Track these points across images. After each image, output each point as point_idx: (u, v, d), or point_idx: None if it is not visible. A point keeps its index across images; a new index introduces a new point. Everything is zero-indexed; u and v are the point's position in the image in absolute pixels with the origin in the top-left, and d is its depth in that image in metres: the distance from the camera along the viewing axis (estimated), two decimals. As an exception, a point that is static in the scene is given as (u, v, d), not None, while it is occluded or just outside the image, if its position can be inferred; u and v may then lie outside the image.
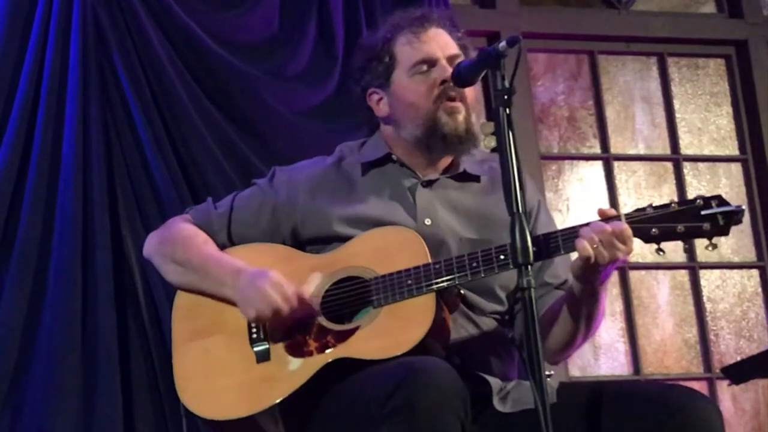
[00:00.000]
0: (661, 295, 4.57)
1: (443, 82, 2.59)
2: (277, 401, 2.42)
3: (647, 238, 2.34)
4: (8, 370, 3.30)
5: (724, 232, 2.30)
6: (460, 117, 2.60)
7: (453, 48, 2.65)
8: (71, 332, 3.32)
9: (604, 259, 2.31)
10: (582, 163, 4.64)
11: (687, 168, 4.69)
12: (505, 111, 2.25)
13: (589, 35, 4.67)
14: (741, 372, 3.75)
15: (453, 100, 2.59)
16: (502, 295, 2.58)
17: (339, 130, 3.60)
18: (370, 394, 2.23)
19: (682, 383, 2.52)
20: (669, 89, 4.73)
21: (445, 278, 2.41)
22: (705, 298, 4.56)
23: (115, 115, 3.55)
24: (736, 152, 4.75)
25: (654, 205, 2.35)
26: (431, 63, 2.62)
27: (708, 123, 4.78)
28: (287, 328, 2.49)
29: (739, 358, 4.40)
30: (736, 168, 4.74)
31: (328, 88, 3.79)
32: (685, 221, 2.31)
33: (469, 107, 2.61)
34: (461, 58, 2.63)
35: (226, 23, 3.77)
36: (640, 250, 4.51)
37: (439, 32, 2.66)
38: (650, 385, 2.82)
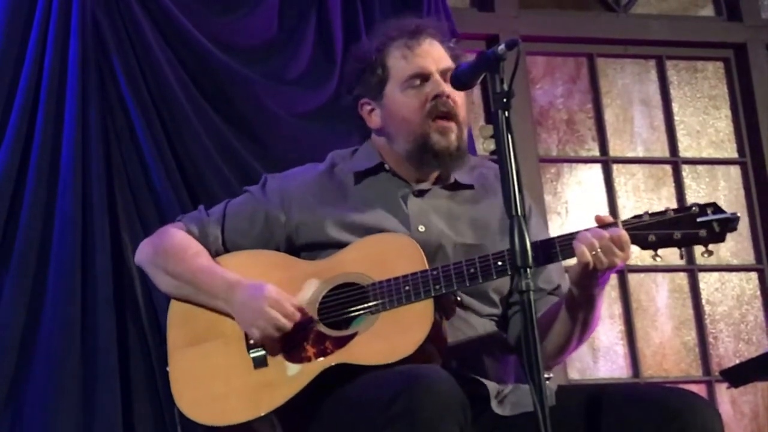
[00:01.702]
0: (660, 297, 4.57)
1: (435, 97, 2.59)
2: (276, 407, 2.42)
3: (644, 245, 2.35)
4: (8, 372, 3.30)
5: (720, 238, 2.32)
6: (452, 136, 2.60)
7: (446, 61, 2.65)
8: (71, 335, 3.32)
9: (602, 265, 2.32)
10: (581, 165, 4.64)
11: (686, 171, 4.69)
12: (504, 114, 2.25)
13: (587, 38, 4.67)
14: (740, 375, 3.75)
15: (445, 116, 2.59)
16: (496, 298, 2.59)
17: (338, 133, 3.60)
18: (371, 399, 2.23)
19: (681, 386, 2.53)
20: (668, 92, 4.74)
21: (442, 284, 2.41)
22: (704, 301, 4.56)
23: (114, 117, 3.55)
24: (734, 155, 4.75)
25: (650, 212, 2.37)
26: (424, 77, 2.62)
27: (707, 126, 4.79)
28: (285, 335, 2.49)
29: (737, 361, 4.40)
30: (734, 171, 4.74)
31: (327, 92, 3.79)
32: (682, 228, 2.33)
33: (461, 123, 2.62)
34: None
35: (225, 26, 3.77)
36: (639, 253, 4.51)
37: (433, 45, 2.65)
38: (650, 388, 2.82)
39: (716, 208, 2.33)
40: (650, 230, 2.34)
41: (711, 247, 2.33)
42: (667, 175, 4.68)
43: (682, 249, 2.36)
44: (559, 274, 2.62)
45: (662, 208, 2.37)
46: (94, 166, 3.46)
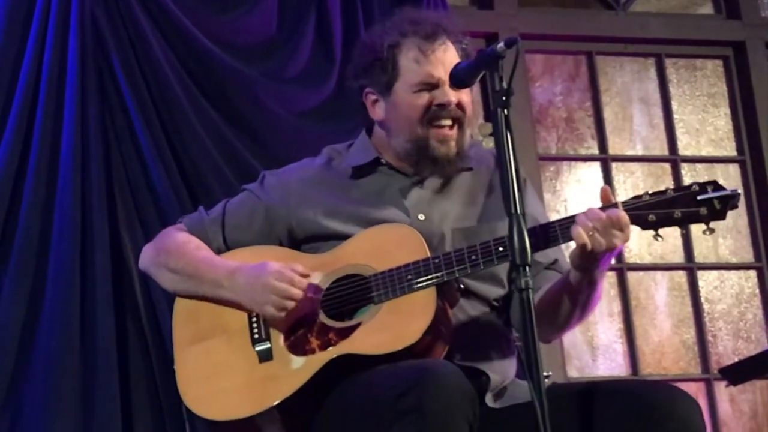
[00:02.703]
0: (659, 295, 4.57)
1: (440, 105, 2.58)
2: (281, 400, 2.43)
3: (645, 225, 2.35)
4: (7, 372, 3.30)
5: (721, 216, 2.31)
6: (452, 143, 2.60)
7: None
8: (70, 334, 3.32)
9: (600, 247, 2.31)
10: (580, 164, 4.64)
11: (685, 169, 4.70)
12: (503, 112, 2.25)
13: (587, 36, 4.68)
14: (739, 373, 3.76)
15: (448, 125, 2.59)
16: (504, 278, 2.59)
17: (338, 131, 3.59)
18: (380, 393, 2.23)
19: (679, 384, 2.52)
20: (667, 90, 4.74)
21: (444, 272, 2.42)
22: (703, 299, 4.57)
23: (114, 116, 3.55)
24: (733, 153, 4.76)
25: (650, 192, 2.36)
26: (434, 85, 2.60)
27: (706, 124, 4.79)
28: (289, 327, 2.50)
29: (736, 359, 4.40)
30: (734, 169, 4.75)
31: (326, 90, 3.79)
32: (682, 207, 2.32)
33: (464, 128, 2.61)
34: None
35: (225, 25, 3.77)
36: (639, 251, 4.52)
37: (447, 50, 2.61)
38: (633, 382, 2.84)
39: (716, 185, 2.32)
40: (650, 210, 2.34)
41: (712, 224, 2.31)
42: (666, 174, 4.69)
43: (683, 228, 2.35)
44: (556, 248, 2.61)
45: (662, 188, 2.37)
46: (94, 165, 3.46)
